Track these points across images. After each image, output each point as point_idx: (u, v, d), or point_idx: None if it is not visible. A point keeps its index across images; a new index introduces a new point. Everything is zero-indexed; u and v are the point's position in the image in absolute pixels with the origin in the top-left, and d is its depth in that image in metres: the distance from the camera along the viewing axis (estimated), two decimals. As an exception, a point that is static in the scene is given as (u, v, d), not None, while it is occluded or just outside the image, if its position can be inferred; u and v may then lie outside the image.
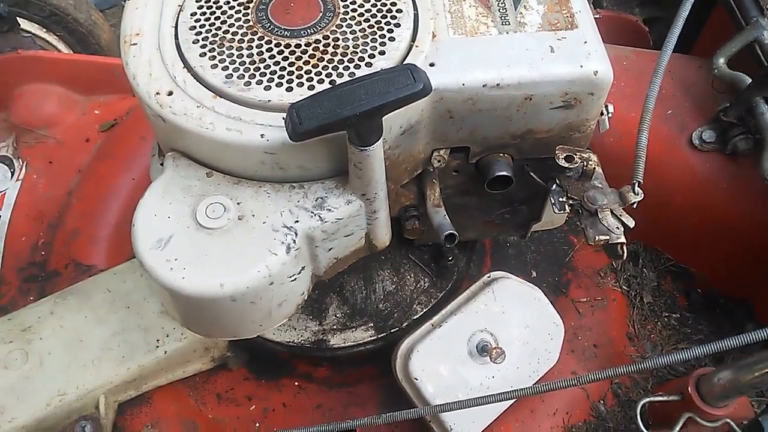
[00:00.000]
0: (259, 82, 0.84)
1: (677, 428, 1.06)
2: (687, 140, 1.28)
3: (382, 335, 1.24)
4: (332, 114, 0.72)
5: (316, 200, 0.87)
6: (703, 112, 1.29)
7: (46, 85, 1.62)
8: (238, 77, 0.85)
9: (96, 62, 1.65)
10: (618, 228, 0.89)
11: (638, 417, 1.08)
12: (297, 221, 0.85)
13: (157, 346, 1.20)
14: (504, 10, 0.91)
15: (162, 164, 1.01)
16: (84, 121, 1.63)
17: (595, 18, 1.68)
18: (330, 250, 0.92)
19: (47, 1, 1.66)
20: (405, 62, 0.86)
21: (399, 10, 0.90)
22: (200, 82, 0.85)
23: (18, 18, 1.57)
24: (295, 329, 1.24)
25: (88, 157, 1.58)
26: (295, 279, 0.88)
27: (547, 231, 1.44)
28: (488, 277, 1.22)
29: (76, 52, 1.74)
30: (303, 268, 0.89)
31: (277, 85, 0.84)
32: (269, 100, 0.83)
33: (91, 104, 1.65)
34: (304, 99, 0.74)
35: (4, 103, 1.62)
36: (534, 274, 1.41)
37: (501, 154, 0.98)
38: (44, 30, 1.67)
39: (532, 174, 1.01)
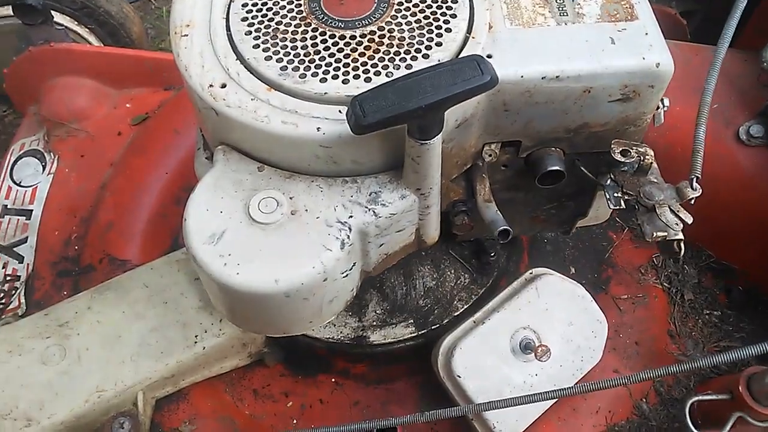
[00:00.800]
0: (315, 75, 0.83)
1: (728, 428, 1.05)
2: (733, 135, 1.26)
3: (422, 332, 1.22)
4: (397, 106, 0.70)
5: (369, 195, 0.86)
6: (749, 106, 1.27)
7: (77, 78, 1.61)
8: (292, 69, 0.83)
9: (127, 55, 1.63)
10: (677, 224, 0.88)
11: (687, 416, 1.06)
12: (351, 216, 0.84)
13: (196, 342, 1.19)
14: (561, 1, 0.89)
15: (208, 158, 1.00)
16: (115, 114, 1.62)
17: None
18: (381, 245, 0.90)
19: (79, -7, 1.66)
20: (462, 54, 0.85)
21: (455, 1, 0.88)
22: (254, 75, 0.84)
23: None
24: (335, 325, 1.22)
25: (120, 150, 1.57)
26: (347, 275, 0.87)
27: (584, 227, 1.42)
28: (531, 273, 1.21)
29: (106, 45, 1.73)
30: (354, 264, 0.88)
31: (333, 78, 0.82)
32: (325, 93, 0.81)
33: (122, 98, 1.64)
34: (367, 91, 0.72)
35: (35, 96, 1.61)
36: (573, 270, 1.39)
37: (552, 149, 0.96)
38: (76, 23, 1.66)
39: (583, 169, 0.99)
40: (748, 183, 1.25)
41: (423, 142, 0.77)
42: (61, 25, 1.62)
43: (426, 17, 0.87)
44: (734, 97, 1.28)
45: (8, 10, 1.56)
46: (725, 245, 1.37)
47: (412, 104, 0.70)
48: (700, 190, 0.88)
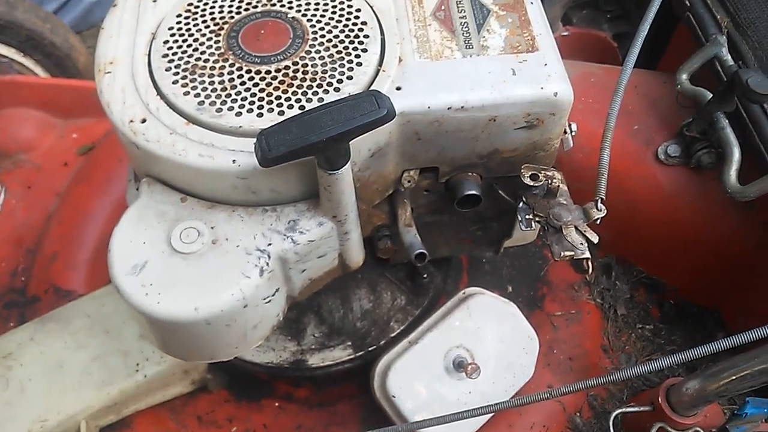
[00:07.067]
0: (231, 109, 0.86)
1: (649, 438, 1.09)
2: (653, 154, 1.31)
3: (360, 353, 1.25)
4: (299, 140, 0.74)
5: (288, 223, 0.89)
6: (668, 126, 1.32)
7: (23, 110, 1.63)
8: (209, 104, 0.86)
9: (73, 86, 1.66)
10: (582, 244, 0.92)
11: (611, 428, 1.10)
12: (270, 244, 0.87)
13: (137, 370, 1.21)
14: (468, 35, 0.94)
15: (138, 189, 1.02)
16: (62, 145, 1.64)
17: (563, 35, 1.73)
18: (303, 271, 0.93)
19: (23, 25, 1.68)
20: (372, 86, 0.89)
21: (366, 36, 0.92)
22: (173, 109, 0.87)
23: (-6, 43, 1.59)
24: (274, 350, 1.24)
25: (67, 181, 1.59)
26: (270, 301, 0.90)
27: (522, 246, 1.46)
28: (463, 293, 1.24)
29: (53, 75, 1.75)
30: (277, 290, 0.91)
31: (247, 111, 0.86)
32: (240, 126, 0.85)
33: (69, 128, 1.66)
34: (272, 126, 0.76)
35: (-19, 129, 1.63)
36: (510, 288, 1.43)
37: (470, 174, 1.00)
38: (21, 54, 1.68)
39: (501, 192, 1.03)
40: (667, 201, 1.30)
41: (331, 172, 0.80)
42: (6, 57, 1.64)
43: (339, 52, 0.91)
44: (654, 118, 1.33)
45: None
46: (652, 261, 1.42)
47: (314, 138, 0.74)
48: (605, 211, 0.93)
